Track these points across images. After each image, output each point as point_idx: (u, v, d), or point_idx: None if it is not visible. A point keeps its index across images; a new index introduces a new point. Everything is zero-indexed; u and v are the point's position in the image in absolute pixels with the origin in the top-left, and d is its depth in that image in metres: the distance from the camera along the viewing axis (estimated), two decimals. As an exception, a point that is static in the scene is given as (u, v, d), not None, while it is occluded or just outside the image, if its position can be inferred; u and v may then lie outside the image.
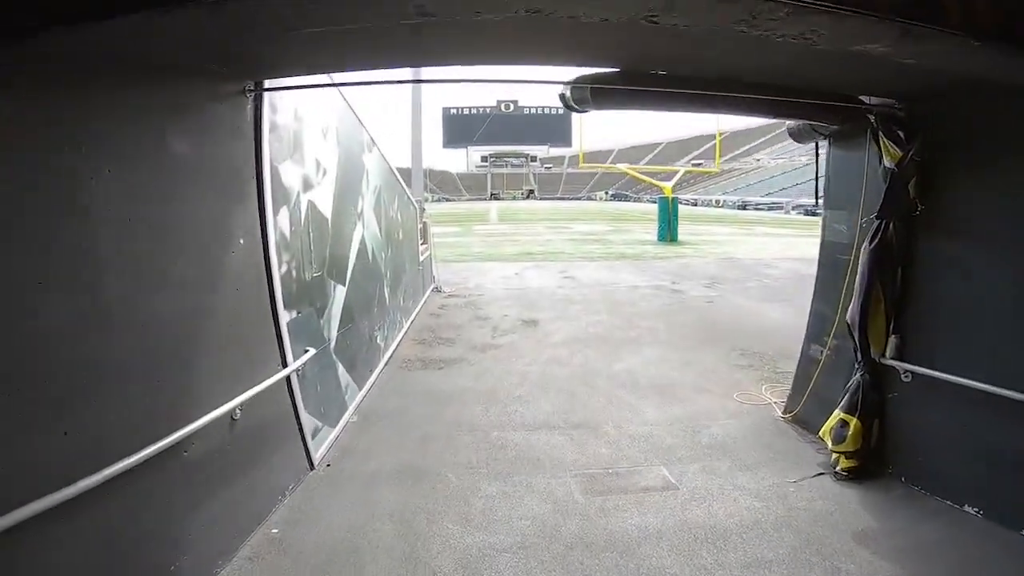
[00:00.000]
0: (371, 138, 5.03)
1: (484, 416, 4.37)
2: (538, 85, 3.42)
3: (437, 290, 9.14)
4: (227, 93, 2.52)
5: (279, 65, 2.63)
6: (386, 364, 5.46)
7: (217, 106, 2.46)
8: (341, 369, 4.04)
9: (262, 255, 2.71)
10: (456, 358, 5.78)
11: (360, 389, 4.51)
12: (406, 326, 6.66)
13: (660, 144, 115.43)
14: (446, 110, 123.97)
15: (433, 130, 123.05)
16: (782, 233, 24.06)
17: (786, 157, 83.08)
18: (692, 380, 5.18)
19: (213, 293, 2.36)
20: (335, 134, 3.93)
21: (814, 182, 3.99)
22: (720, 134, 19.19)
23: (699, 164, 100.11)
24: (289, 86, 2.92)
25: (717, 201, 66.94)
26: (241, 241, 2.54)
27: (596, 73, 2.80)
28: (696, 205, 69.15)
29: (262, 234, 2.70)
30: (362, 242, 4.59)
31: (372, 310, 5.02)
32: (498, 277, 10.41)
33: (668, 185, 17.81)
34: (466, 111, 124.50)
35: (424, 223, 9.10)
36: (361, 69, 2.86)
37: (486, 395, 4.78)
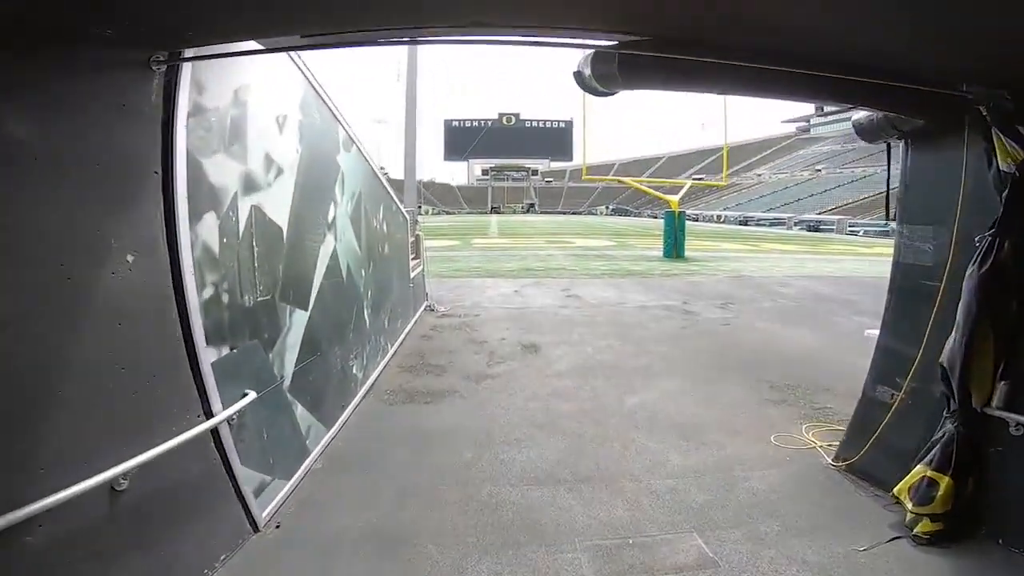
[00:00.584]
0: (350, 135, 4.36)
1: (475, 464, 3.65)
2: (555, 51, 2.74)
3: (430, 309, 8.43)
4: (115, 63, 1.84)
5: (207, 30, 1.96)
6: (364, 396, 4.74)
7: (97, 79, 1.79)
8: (301, 410, 3.32)
9: (168, 276, 2.02)
10: (446, 389, 5.05)
11: (328, 429, 3.79)
12: (392, 351, 5.93)
13: (661, 158, 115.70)
14: (447, 122, 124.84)
15: (434, 142, 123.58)
16: (789, 250, 23.47)
17: (787, 172, 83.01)
18: (719, 418, 4.46)
19: (72, 331, 1.65)
20: (296, 127, 3.25)
21: (885, 192, 3.30)
22: (727, 146, 18.62)
23: (700, 179, 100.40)
24: (219, 54, 2.23)
25: (719, 216, 66.51)
26: (130, 258, 1.85)
27: (625, 41, 2.12)
28: (697, 220, 68.74)
29: (169, 249, 2.01)
30: (333, 257, 3.90)
31: (346, 337, 4.31)
32: (496, 295, 9.69)
33: (675, 199, 17.12)
34: (467, 123, 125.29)
35: (417, 236, 8.42)
36: (330, 36, 2.18)
37: (478, 437, 4.06)
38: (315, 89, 3.57)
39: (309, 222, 3.40)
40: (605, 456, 3.79)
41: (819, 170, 79.18)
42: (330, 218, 3.79)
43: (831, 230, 50.24)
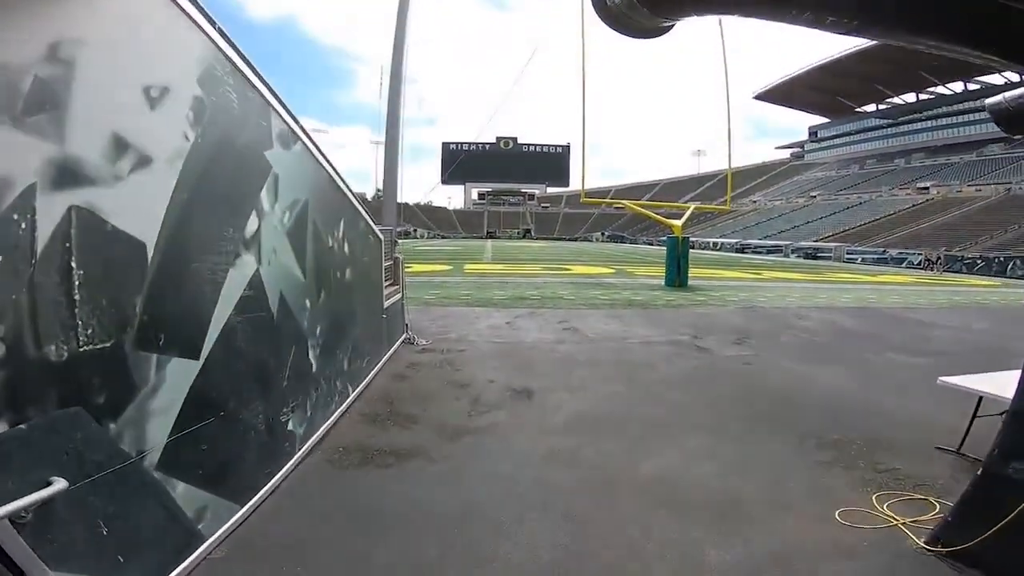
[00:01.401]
0: (293, 127, 3.42)
1: (441, 566, 2.63)
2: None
3: (409, 342, 7.41)
4: None
5: None
6: (307, 455, 3.71)
7: None
8: (183, 488, 2.31)
9: None
10: (414, 449, 4.02)
11: (240, 506, 2.77)
12: (353, 395, 4.90)
13: (657, 184, 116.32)
14: (446, 144, 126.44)
15: (432, 166, 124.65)
16: (793, 278, 22.67)
17: (782, 199, 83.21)
18: (762, 488, 3.46)
19: None
20: (189, 106, 2.31)
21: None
22: (731, 171, 17.90)
23: (696, 203, 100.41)
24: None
25: (715, 244, 66.13)
26: None
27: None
28: (693, 247, 68.32)
29: None
30: (255, 286, 2.90)
31: (276, 386, 3.30)
32: (486, 327, 8.68)
33: (678, 223, 16.19)
34: (465, 147, 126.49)
35: (396, 259, 7.46)
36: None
37: (448, 521, 3.03)
38: (231, 60, 2.65)
39: (205, 237, 2.42)
40: (619, 551, 2.78)
41: (814, 196, 79.48)
42: (248, 233, 2.81)
43: (828, 257, 49.88)
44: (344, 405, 4.62)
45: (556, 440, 4.25)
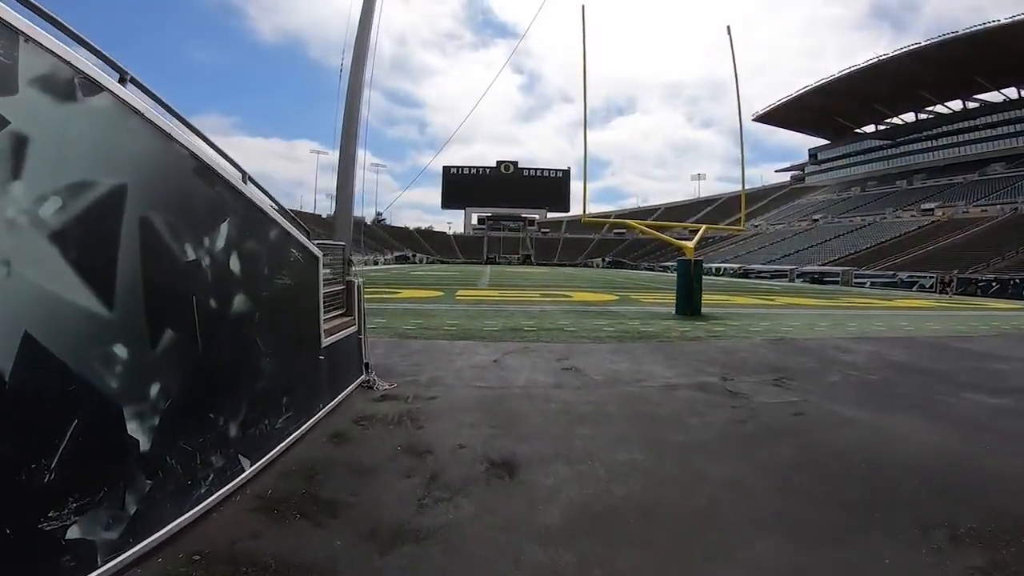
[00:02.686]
0: (90, 72, 2.02)
1: None
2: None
3: (368, 386, 5.88)
4: None
5: None
6: (121, 572, 2.20)
7: None
8: None
9: None
10: (316, 566, 2.48)
11: None
12: (251, 470, 3.37)
13: (658, 208, 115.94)
14: (446, 168, 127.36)
15: (433, 190, 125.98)
16: (809, 303, 21.18)
17: (784, 222, 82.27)
18: None
19: None
20: None
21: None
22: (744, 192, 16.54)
23: (696, 231, 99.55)
24: None
25: (716, 269, 64.84)
26: None
27: None
28: (697, 272, 67.00)
29: None
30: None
31: (31, 481, 1.79)
32: (468, 366, 7.12)
33: (690, 244, 14.61)
34: (465, 171, 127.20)
35: (351, 283, 5.99)
36: None
37: None
38: None
39: None
40: None
41: (816, 219, 78.62)
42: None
43: (836, 281, 48.59)
44: (229, 486, 3.09)
45: (547, 555, 2.71)
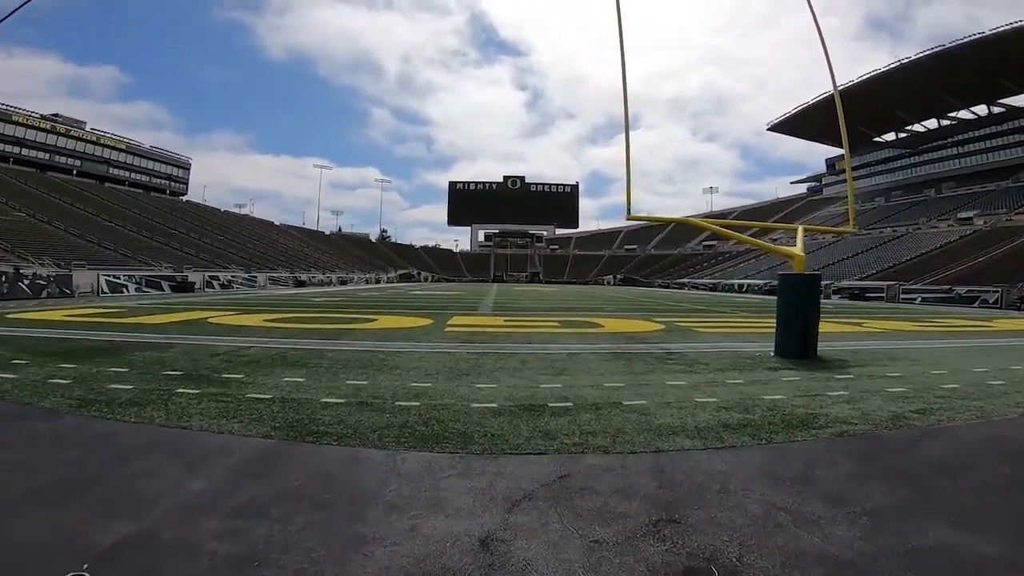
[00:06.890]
0: None
1: None
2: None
3: None
4: None
5: None
6: None
7: None
8: None
9: None
10: None
11: None
12: None
13: (670, 223, 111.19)
14: (452, 184, 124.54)
15: (440, 208, 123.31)
16: (906, 329, 16.00)
17: (807, 235, 77.41)
18: None
19: None
20: None
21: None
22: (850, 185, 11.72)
23: (711, 246, 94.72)
24: None
25: (740, 286, 59.88)
26: None
27: None
28: (716, 290, 62.20)
29: None
30: None
31: None
32: (402, 570, 2.30)
33: (799, 251, 9.52)
34: (472, 186, 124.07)
35: None
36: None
37: None
38: None
39: None
40: None
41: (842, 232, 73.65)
42: None
43: (880, 297, 43.60)
44: None
45: None
